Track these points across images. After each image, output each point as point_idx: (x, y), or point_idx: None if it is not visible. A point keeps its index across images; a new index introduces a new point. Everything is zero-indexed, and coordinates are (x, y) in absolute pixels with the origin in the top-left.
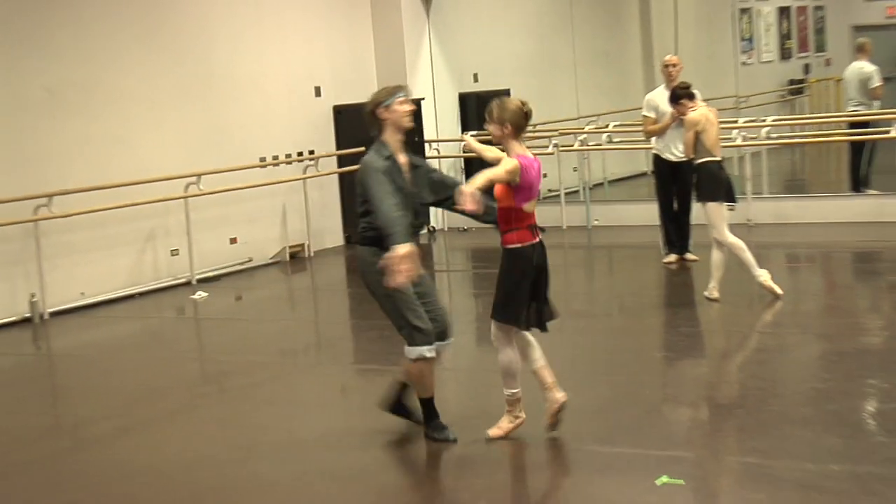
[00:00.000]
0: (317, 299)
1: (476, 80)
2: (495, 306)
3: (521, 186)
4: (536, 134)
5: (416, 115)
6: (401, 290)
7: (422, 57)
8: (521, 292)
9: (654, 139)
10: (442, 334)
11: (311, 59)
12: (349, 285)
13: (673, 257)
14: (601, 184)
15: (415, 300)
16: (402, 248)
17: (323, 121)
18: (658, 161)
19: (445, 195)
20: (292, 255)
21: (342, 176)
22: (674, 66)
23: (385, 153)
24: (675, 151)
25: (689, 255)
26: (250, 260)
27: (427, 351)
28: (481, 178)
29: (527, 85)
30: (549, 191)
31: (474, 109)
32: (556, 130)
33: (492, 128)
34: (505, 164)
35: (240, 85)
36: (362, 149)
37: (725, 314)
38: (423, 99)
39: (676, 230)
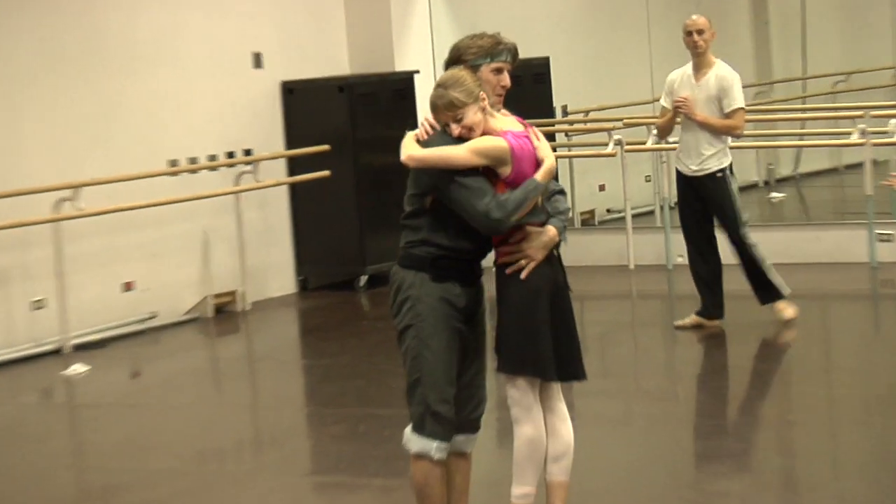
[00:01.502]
0: (256, 376)
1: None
2: (504, 354)
3: (512, 177)
4: (589, 126)
5: (409, 94)
6: (439, 352)
7: (416, 9)
8: (538, 325)
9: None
10: (466, 425)
11: (248, 13)
12: (306, 353)
13: (688, 319)
14: None
15: (450, 372)
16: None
17: (265, 105)
18: (677, 174)
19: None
20: (218, 309)
21: (296, 189)
22: (698, 32)
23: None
24: (688, 161)
25: (709, 322)
26: (154, 316)
27: (436, 450)
28: (427, 153)
29: (572, 52)
30: (609, 211)
31: None
32: (619, 119)
33: (469, 116)
34: (480, 141)
35: (140, 53)
36: (326, 147)
37: (840, 395)
38: (416, 72)
39: (705, 277)
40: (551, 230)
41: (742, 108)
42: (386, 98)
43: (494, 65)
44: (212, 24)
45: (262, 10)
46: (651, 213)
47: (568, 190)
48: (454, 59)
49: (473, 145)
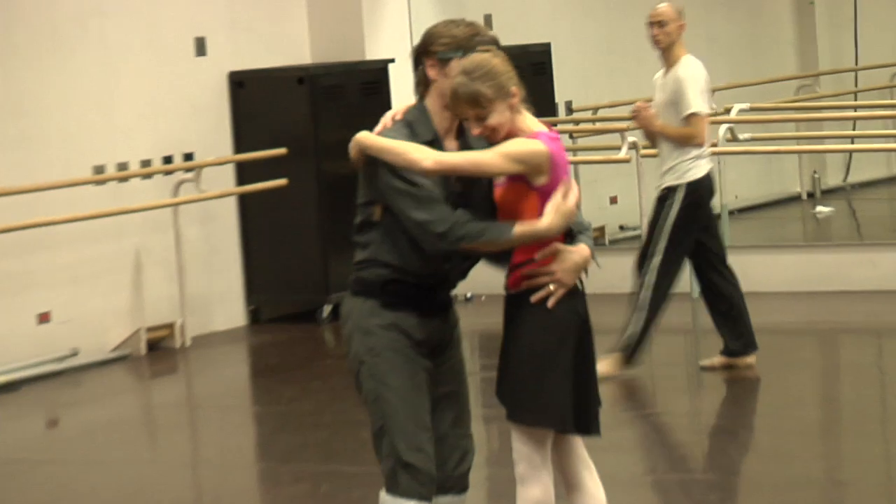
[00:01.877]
0: (197, 425)
1: (490, 26)
2: (515, 399)
3: (548, 185)
4: (598, 126)
5: (382, 88)
6: (402, 390)
7: None
8: (561, 368)
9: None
10: (451, 483)
11: None
12: (259, 398)
13: (716, 359)
14: (715, 215)
15: (420, 414)
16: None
17: (210, 100)
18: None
19: None
20: (153, 345)
21: (246, 201)
22: (658, 24)
23: (421, 134)
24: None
25: (732, 360)
26: (75, 353)
27: None
28: (457, 160)
29: (578, 38)
30: (622, 228)
31: None
32: (634, 118)
33: (495, 115)
34: (514, 145)
35: (59, 36)
36: (283, 151)
37: None
38: (391, 61)
39: (722, 309)
40: (585, 250)
41: (696, 114)
42: (354, 92)
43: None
44: (145, 2)
45: None
46: None
47: None
48: (422, 49)
49: (508, 150)
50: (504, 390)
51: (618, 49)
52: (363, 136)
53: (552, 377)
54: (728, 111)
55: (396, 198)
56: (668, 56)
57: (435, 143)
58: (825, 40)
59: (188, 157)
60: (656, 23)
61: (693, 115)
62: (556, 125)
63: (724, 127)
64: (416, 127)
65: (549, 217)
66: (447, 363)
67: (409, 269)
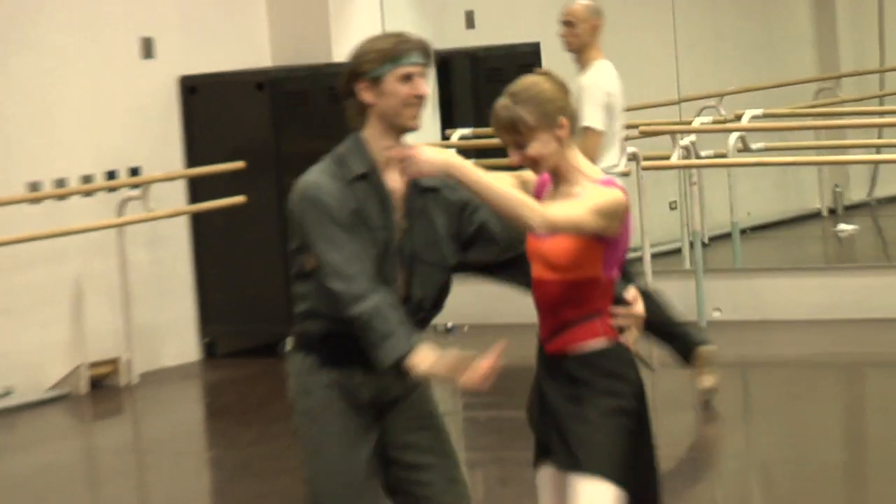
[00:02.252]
0: (145, 473)
1: (471, 24)
2: (601, 456)
3: (619, 241)
4: None
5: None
6: (337, 465)
7: None
8: (645, 445)
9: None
10: None
11: None
12: (214, 442)
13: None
14: (725, 235)
15: (360, 486)
16: (426, 359)
17: (158, 108)
18: None
19: (510, 254)
20: (95, 383)
21: (200, 221)
22: (567, 24)
23: (353, 167)
24: None
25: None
26: (8, 393)
27: None
28: (559, 217)
29: None
30: None
31: (468, 84)
32: (633, 126)
33: (536, 145)
34: (600, 198)
35: None
36: (240, 164)
37: None
38: None
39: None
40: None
41: (589, 129)
42: (320, 98)
43: (401, 70)
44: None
45: None
46: (677, 251)
47: None
48: (350, 75)
49: (596, 205)
50: (586, 453)
51: (614, 49)
52: (460, 163)
53: (634, 450)
54: (739, 118)
55: (322, 250)
56: (579, 60)
57: (370, 175)
58: (847, 38)
59: (134, 171)
60: (566, 22)
61: (585, 129)
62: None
63: (734, 136)
64: (347, 160)
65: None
66: (408, 413)
67: (341, 317)
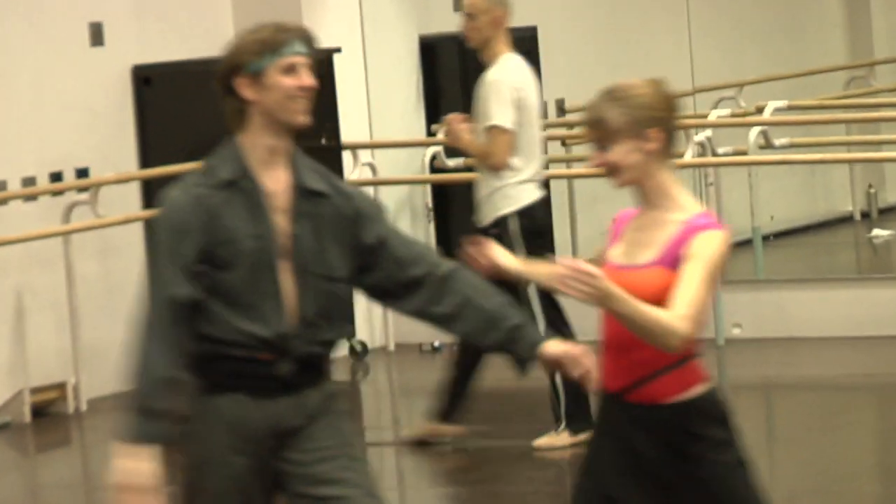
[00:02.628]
0: None
1: (460, 6)
2: None
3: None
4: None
5: (324, 91)
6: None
7: None
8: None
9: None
10: None
11: None
12: (173, 478)
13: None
14: (745, 242)
15: None
16: (130, 463)
17: (109, 102)
18: None
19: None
20: (38, 411)
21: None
22: (469, 16)
23: (220, 174)
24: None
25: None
26: None
27: None
28: (693, 299)
29: (572, 19)
30: None
31: (457, 74)
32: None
33: (618, 150)
34: (706, 263)
35: None
36: (200, 165)
37: None
38: (337, 50)
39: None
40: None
41: (497, 127)
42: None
43: (284, 62)
44: None
45: None
46: None
47: (567, 226)
48: (228, 71)
49: (708, 270)
50: None
51: (621, 34)
52: (606, 285)
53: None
54: (760, 111)
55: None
56: (483, 55)
57: (244, 180)
58: (881, 21)
59: (82, 173)
60: (467, 15)
61: (493, 127)
62: (545, 129)
63: (755, 130)
64: (216, 167)
65: None
66: (313, 443)
67: (237, 340)
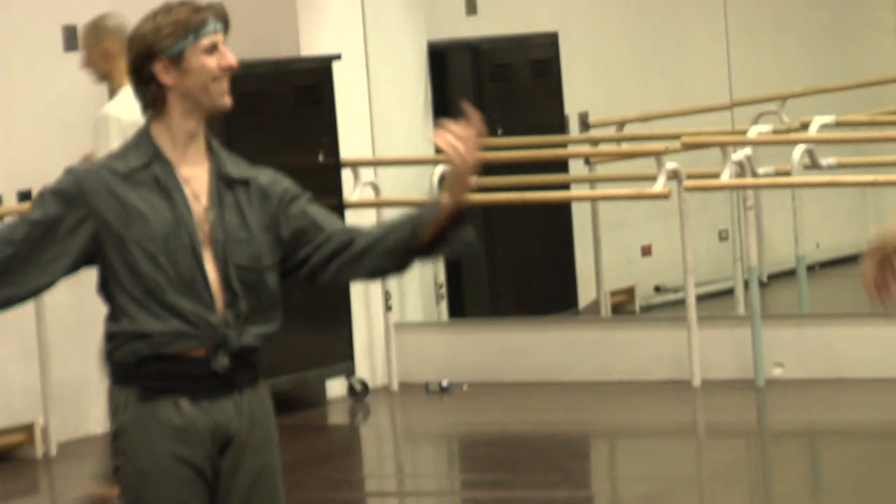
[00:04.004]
0: None
1: (473, 9)
2: None
3: None
4: (625, 148)
5: (322, 103)
6: None
7: None
8: None
9: None
10: None
11: None
12: None
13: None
14: (788, 272)
15: None
16: None
17: (84, 113)
18: None
19: (344, 245)
20: (4, 455)
21: None
22: (83, 49)
23: (131, 160)
24: None
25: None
26: None
27: None
28: None
29: (597, 25)
30: (658, 290)
31: (469, 83)
32: (674, 137)
33: None
34: None
35: None
36: None
37: None
38: (336, 57)
39: None
40: None
41: None
42: (285, 100)
43: (205, 42)
44: None
45: None
46: (729, 292)
47: (590, 252)
48: (143, 57)
49: None
50: None
51: (651, 40)
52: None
53: None
54: (805, 127)
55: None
56: (109, 87)
57: (156, 164)
58: None
59: None
60: (81, 48)
61: None
62: (565, 146)
63: (800, 149)
64: (127, 153)
65: None
66: (244, 466)
67: (157, 337)
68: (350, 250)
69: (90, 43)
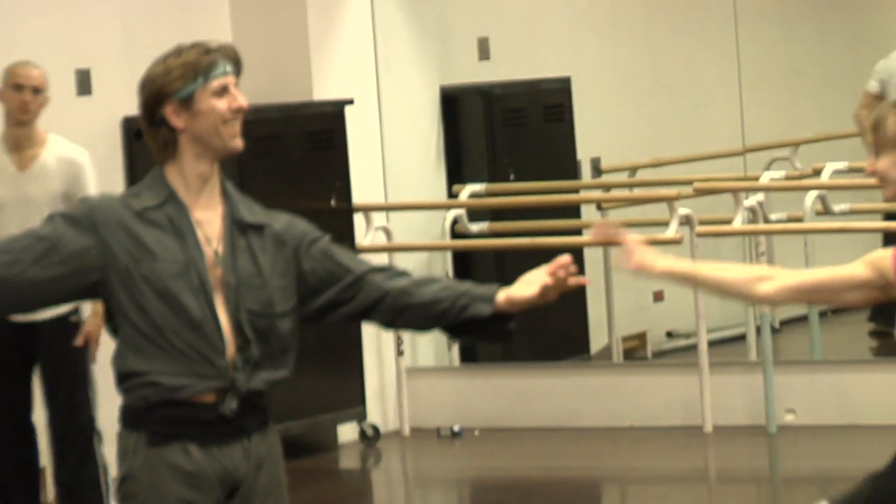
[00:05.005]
0: None
1: (486, 54)
2: None
3: None
4: (637, 193)
5: (335, 148)
6: None
7: (349, 5)
8: None
9: None
10: None
11: (70, 4)
12: None
13: None
14: (800, 318)
15: None
16: None
17: (97, 155)
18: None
19: (374, 296)
20: None
21: None
22: (35, 90)
23: (145, 200)
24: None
25: None
26: None
27: None
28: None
29: (609, 71)
30: (670, 335)
31: (481, 128)
32: (686, 183)
33: (884, 160)
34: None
35: None
36: None
37: None
38: (349, 102)
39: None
40: None
41: None
42: (298, 145)
43: (214, 84)
44: (5, 21)
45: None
46: (741, 338)
47: (602, 299)
48: (154, 100)
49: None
50: None
51: (664, 85)
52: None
53: None
54: (818, 173)
55: None
56: (28, 133)
57: (169, 205)
58: None
59: None
60: (32, 88)
61: None
62: (577, 191)
63: (812, 195)
64: (141, 193)
65: None
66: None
67: (168, 383)
68: (394, 302)
69: (47, 85)
